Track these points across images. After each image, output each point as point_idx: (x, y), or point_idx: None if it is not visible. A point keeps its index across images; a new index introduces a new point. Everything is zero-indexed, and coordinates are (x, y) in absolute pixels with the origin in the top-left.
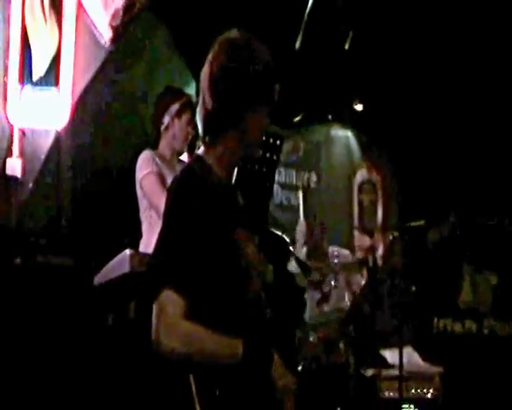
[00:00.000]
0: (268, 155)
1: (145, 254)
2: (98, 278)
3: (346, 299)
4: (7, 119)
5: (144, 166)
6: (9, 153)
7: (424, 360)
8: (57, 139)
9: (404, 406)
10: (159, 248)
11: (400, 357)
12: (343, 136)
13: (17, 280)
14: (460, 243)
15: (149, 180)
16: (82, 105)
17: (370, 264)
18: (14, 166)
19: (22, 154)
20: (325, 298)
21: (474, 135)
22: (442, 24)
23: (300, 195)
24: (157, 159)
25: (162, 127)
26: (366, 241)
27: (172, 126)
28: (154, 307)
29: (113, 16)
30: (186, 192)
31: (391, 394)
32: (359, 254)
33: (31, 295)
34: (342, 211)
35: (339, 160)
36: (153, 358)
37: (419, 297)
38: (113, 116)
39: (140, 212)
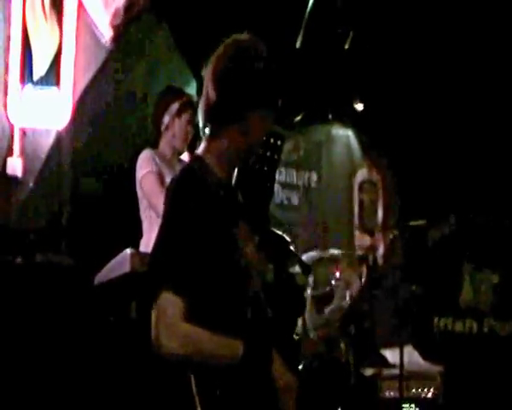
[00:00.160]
0: (269, 154)
1: (146, 254)
2: (99, 278)
3: (347, 298)
4: (7, 118)
5: (144, 165)
6: (10, 152)
7: (425, 359)
8: (58, 139)
9: (404, 405)
10: (157, 248)
11: (401, 356)
12: (344, 135)
13: (17, 279)
14: (460, 242)
15: (149, 180)
16: (82, 105)
17: (370, 262)
18: (14, 166)
19: (23, 153)
20: (326, 298)
21: (474, 134)
22: (442, 24)
23: None
24: (157, 158)
25: (162, 127)
26: (366, 240)
27: (172, 126)
28: (154, 308)
29: (114, 16)
30: (185, 192)
31: (391, 393)
32: (360, 254)
33: (31, 295)
34: (343, 210)
35: (339, 159)
36: (154, 358)
37: (419, 296)
38: (113, 116)
39: (140, 211)
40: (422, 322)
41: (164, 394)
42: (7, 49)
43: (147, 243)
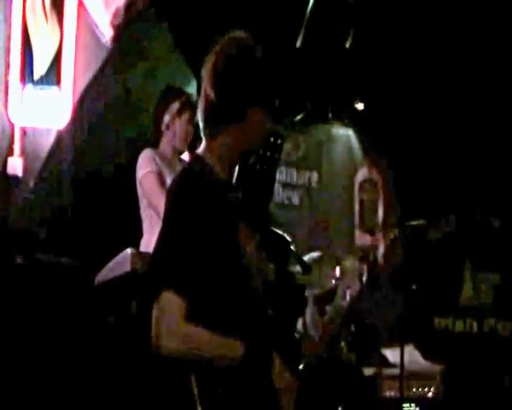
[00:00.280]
0: (269, 153)
1: (146, 254)
2: (99, 277)
3: (348, 298)
4: (8, 118)
5: (144, 164)
6: (10, 152)
7: (425, 358)
8: (58, 138)
9: (405, 405)
10: (158, 248)
11: (401, 356)
12: (344, 135)
13: (18, 279)
14: (461, 241)
15: (149, 179)
16: (83, 104)
17: (370, 262)
18: (15, 166)
19: (23, 153)
20: (326, 297)
21: (474, 133)
22: (443, 23)
23: None
24: (157, 158)
25: (163, 126)
26: (367, 239)
27: (173, 125)
28: (154, 308)
29: (114, 15)
30: (185, 193)
31: (392, 393)
32: (360, 253)
33: (32, 295)
34: (343, 210)
35: (340, 159)
36: (154, 357)
37: (420, 296)
38: (113, 115)
39: (140, 210)
40: (423, 322)
41: (164, 393)
42: (7, 49)
43: (147, 243)
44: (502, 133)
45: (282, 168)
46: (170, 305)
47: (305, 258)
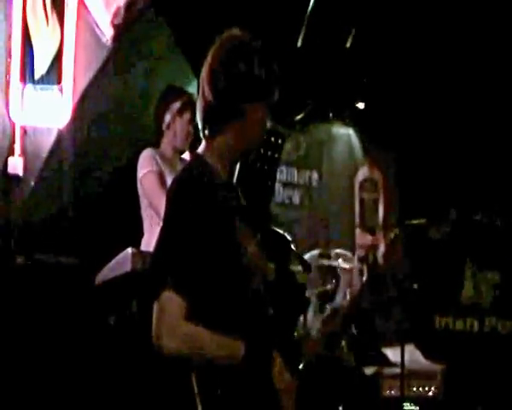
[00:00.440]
0: (269, 153)
1: (147, 253)
2: (100, 277)
3: (348, 297)
4: (9, 117)
5: (145, 164)
6: (11, 151)
7: (426, 357)
8: (59, 138)
9: (405, 404)
10: (159, 248)
11: (402, 355)
12: (345, 134)
13: (19, 279)
14: (461, 240)
15: (149, 179)
16: (83, 103)
17: (371, 261)
18: (15, 165)
19: (24, 152)
20: (327, 296)
21: (474, 132)
22: (443, 22)
23: None
24: (158, 158)
25: (163, 126)
26: (367, 239)
27: (174, 125)
28: (155, 308)
29: (115, 15)
30: (185, 193)
31: (392, 392)
32: (360, 252)
33: (32, 294)
34: (344, 209)
35: (340, 158)
36: (155, 357)
37: (420, 295)
38: (114, 115)
39: (141, 210)
40: (423, 321)
41: (165, 393)
42: (8, 49)
43: (148, 242)
44: (502, 132)
45: (283, 168)
46: (170, 304)
47: (305, 257)
